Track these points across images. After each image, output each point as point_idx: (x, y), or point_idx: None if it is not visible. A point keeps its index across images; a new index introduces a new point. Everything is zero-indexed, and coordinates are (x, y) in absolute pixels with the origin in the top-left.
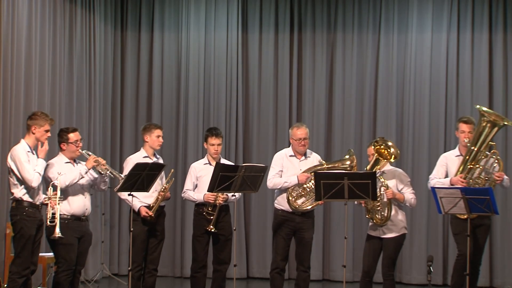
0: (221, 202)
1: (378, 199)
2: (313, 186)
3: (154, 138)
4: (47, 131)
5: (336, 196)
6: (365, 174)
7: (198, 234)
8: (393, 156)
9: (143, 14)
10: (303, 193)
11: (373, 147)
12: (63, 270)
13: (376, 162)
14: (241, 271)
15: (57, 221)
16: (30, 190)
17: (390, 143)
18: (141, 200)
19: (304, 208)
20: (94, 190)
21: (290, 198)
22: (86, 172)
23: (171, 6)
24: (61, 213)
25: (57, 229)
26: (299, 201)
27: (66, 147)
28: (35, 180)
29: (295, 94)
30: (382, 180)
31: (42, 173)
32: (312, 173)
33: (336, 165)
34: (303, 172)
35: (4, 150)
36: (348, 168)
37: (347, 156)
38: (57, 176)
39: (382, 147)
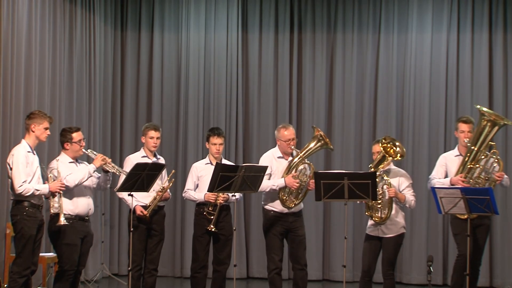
0: (222, 201)
1: (380, 197)
2: (303, 182)
3: (148, 139)
4: (46, 128)
5: (336, 196)
6: (365, 174)
7: (198, 234)
8: (398, 154)
9: (143, 14)
10: (292, 190)
11: (380, 144)
12: (65, 270)
13: (382, 159)
14: (241, 271)
15: (61, 208)
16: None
17: (397, 143)
18: (138, 200)
19: (299, 201)
20: (96, 190)
21: (284, 198)
22: (94, 171)
23: (171, 6)
24: (66, 213)
25: (62, 217)
26: (292, 197)
27: (69, 147)
28: (24, 187)
29: (295, 94)
30: (386, 178)
31: (36, 194)
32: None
33: (310, 147)
34: (286, 169)
35: (4, 150)
36: (322, 142)
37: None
38: (57, 163)
39: (389, 145)
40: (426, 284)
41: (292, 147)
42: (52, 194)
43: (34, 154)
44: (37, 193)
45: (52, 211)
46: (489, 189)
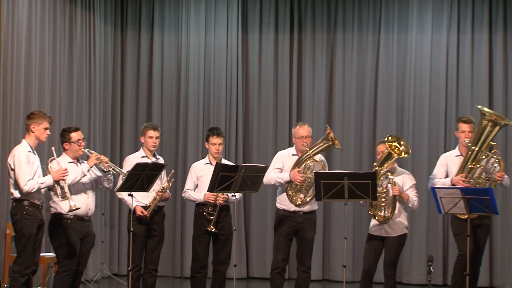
0: (222, 202)
1: (384, 195)
2: (308, 179)
3: (147, 139)
4: (46, 129)
5: (336, 196)
6: (365, 174)
7: (198, 234)
8: (403, 152)
9: (143, 14)
10: (299, 187)
11: (386, 142)
12: (64, 270)
13: (388, 157)
14: (241, 271)
15: (68, 194)
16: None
17: (402, 142)
18: (138, 200)
19: (308, 201)
20: (98, 189)
21: (290, 193)
22: (88, 170)
23: (171, 6)
24: (64, 213)
25: (71, 202)
26: (300, 196)
27: (68, 147)
28: (28, 185)
29: (295, 94)
30: (390, 177)
31: (41, 187)
32: (305, 170)
33: (321, 145)
34: (294, 164)
35: (4, 150)
36: (330, 142)
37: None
38: (54, 154)
39: (394, 143)
40: (426, 284)
41: (305, 144)
42: (57, 183)
43: (34, 154)
44: (43, 186)
45: (60, 198)
46: (489, 189)
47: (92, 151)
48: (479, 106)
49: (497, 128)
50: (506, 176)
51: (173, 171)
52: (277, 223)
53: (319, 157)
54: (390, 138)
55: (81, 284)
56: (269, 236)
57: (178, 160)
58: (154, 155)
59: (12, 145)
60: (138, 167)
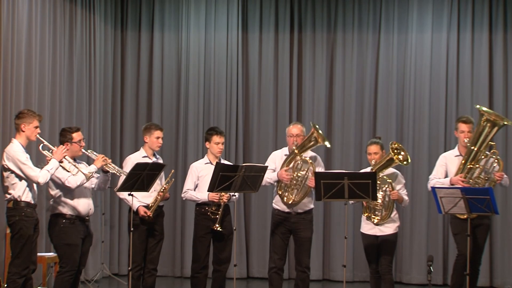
0: (225, 201)
1: (382, 198)
2: (297, 177)
3: (154, 139)
4: (36, 127)
5: (336, 196)
6: (365, 174)
7: (200, 234)
8: (404, 161)
9: (143, 14)
10: (292, 187)
11: (377, 144)
12: (67, 270)
13: (389, 162)
14: (241, 271)
15: (76, 166)
16: (31, 188)
17: (403, 152)
18: (140, 200)
19: (299, 200)
20: (96, 190)
21: (280, 193)
22: (96, 171)
23: (171, 6)
24: (66, 213)
25: (85, 171)
26: (291, 195)
27: (69, 147)
28: (41, 176)
29: (295, 94)
30: (389, 180)
31: (52, 172)
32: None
33: (306, 144)
34: (282, 163)
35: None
36: (313, 142)
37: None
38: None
39: (395, 151)
40: (426, 284)
41: (295, 143)
42: (61, 162)
43: (27, 153)
44: (51, 171)
45: (73, 174)
46: (489, 189)
47: (95, 153)
48: (478, 106)
49: (496, 128)
50: (505, 176)
51: (172, 171)
52: (273, 223)
53: (309, 154)
54: (396, 145)
55: (81, 284)
56: (269, 236)
57: (178, 160)
58: (154, 155)
59: None
60: (139, 166)
